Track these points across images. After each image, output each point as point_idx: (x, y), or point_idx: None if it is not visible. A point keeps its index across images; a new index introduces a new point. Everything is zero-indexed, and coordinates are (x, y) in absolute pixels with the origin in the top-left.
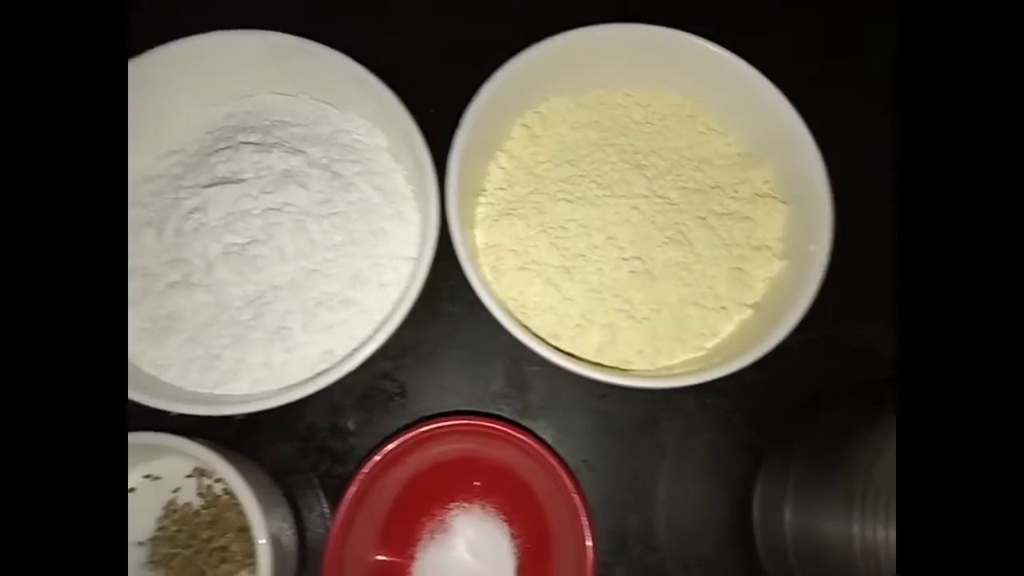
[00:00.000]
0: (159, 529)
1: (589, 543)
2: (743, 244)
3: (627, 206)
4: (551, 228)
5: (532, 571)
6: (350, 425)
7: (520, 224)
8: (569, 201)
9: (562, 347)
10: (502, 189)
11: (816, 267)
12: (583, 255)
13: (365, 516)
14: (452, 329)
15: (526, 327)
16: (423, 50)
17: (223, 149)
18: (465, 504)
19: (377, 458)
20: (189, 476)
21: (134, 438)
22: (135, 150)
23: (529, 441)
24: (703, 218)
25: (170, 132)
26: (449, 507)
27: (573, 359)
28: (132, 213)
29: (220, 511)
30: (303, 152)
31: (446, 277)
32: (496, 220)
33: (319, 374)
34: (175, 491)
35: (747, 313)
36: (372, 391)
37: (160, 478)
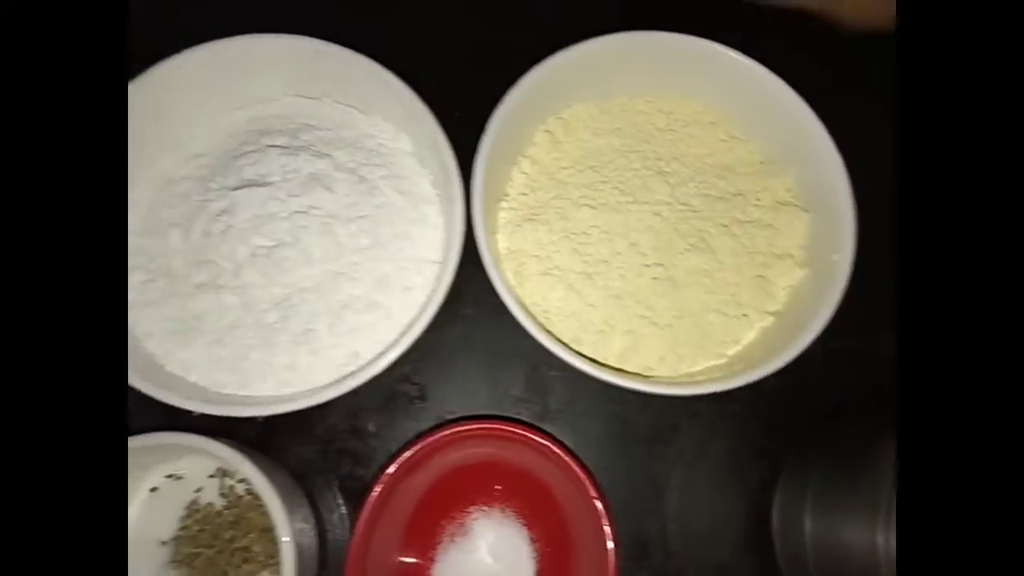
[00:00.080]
0: (181, 529)
1: (611, 547)
2: (765, 252)
3: (650, 213)
4: (573, 234)
5: (552, 575)
6: (370, 427)
7: (543, 229)
8: (592, 207)
9: (584, 352)
10: (524, 194)
11: (839, 276)
12: (606, 261)
13: (388, 518)
14: (472, 333)
15: (549, 332)
16: (448, 54)
17: (250, 152)
18: (485, 508)
19: (401, 460)
20: (212, 476)
21: (158, 438)
22: (161, 152)
23: (550, 445)
24: (725, 225)
25: (196, 135)
26: (469, 510)
27: (596, 364)
28: (159, 214)
29: (242, 511)
30: (329, 156)
31: (469, 281)
32: (519, 225)
33: (344, 377)
34: (197, 491)
35: (768, 321)
36: (392, 394)
37: (182, 478)
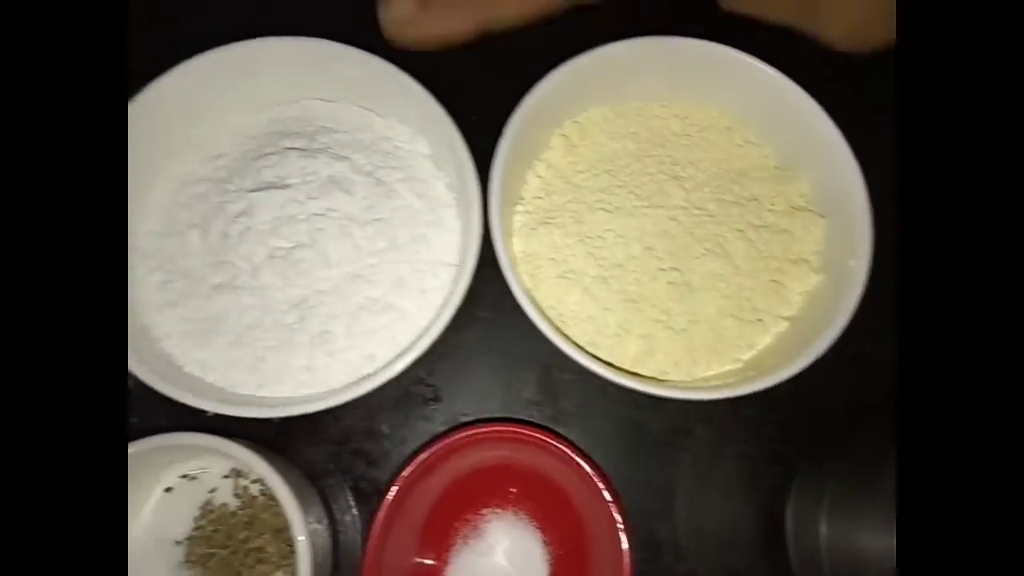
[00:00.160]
0: (195, 529)
1: (626, 550)
2: (780, 257)
3: (665, 217)
4: (589, 238)
5: None
6: (384, 429)
7: (558, 233)
8: (607, 211)
9: (599, 356)
10: (540, 198)
11: (855, 283)
12: (621, 265)
13: (404, 520)
14: (486, 335)
15: (566, 336)
16: (464, 57)
17: (269, 154)
18: (498, 510)
19: (418, 462)
20: (226, 477)
21: (173, 438)
22: (179, 153)
23: (566, 449)
24: (741, 230)
25: (214, 136)
26: (482, 512)
27: (611, 368)
28: (177, 215)
29: (256, 512)
30: (347, 158)
31: (483, 284)
32: (534, 229)
33: (361, 379)
34: (212, 491)
35: (783, 326)
36: (407, 395)
37: (197, 478)
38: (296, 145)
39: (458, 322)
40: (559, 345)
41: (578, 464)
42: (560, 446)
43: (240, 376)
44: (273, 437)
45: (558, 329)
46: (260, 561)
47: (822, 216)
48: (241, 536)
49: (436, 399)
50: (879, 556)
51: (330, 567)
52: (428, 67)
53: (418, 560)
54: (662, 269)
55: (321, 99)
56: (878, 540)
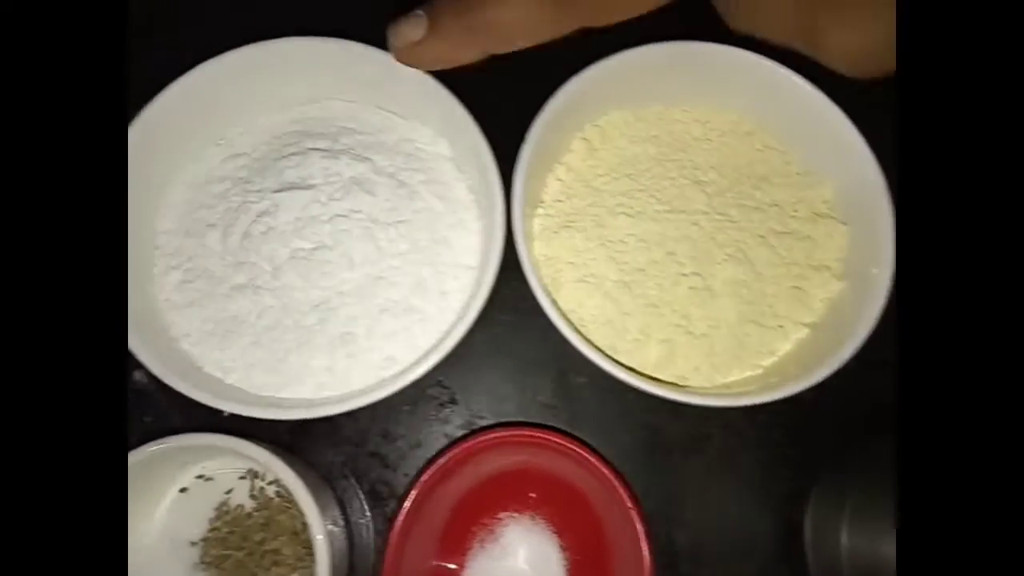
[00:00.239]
0: (211, 530)
1: (647, 556)
2: (802, 263)
3: (687, 222)
4: (610, 242)
5: None
6: (400, 431)
7: (579, 237)
8: (629, 215)
9: (619, 361)
10: (560, 201)
11: (878, 291)
12: (642, 270)
13: (423, 524)
14: (502, 338)
15: (588, 340)
16: (482, 60)
17: (292, 155)
18: (515, 514)
19: (437, 466)
20: (242, 478)
21: (190, 439)
22: (200, 151)
23: (586, 454)
24: (763, 236)
25: (235, 135)
26: (499, 517)
27: (632, 373)
28: (196, 214)
29: (272, 514)
30: (370, 160)
31: (500, 286)
32: (555, 232)
33: (381, 382)
34: (227, 492)
35: (804, 333)
36: (423, 397)
37: (212, 479)
38: (319, 146)
39: (475, 325)
40: (581, 349)
41: (599, 469)
42: (581, 451)
43: (260, 377)
44: (288, 438)
45: (581, 333)
46: (276, 563)
47: (845, 223)
48: (257, 538)
49: (452, 402)
50: None
51: (346, 570)
52: (449, 69)
53: (437, 564)
54: (683, 274)
55: (342, 100)
56: None
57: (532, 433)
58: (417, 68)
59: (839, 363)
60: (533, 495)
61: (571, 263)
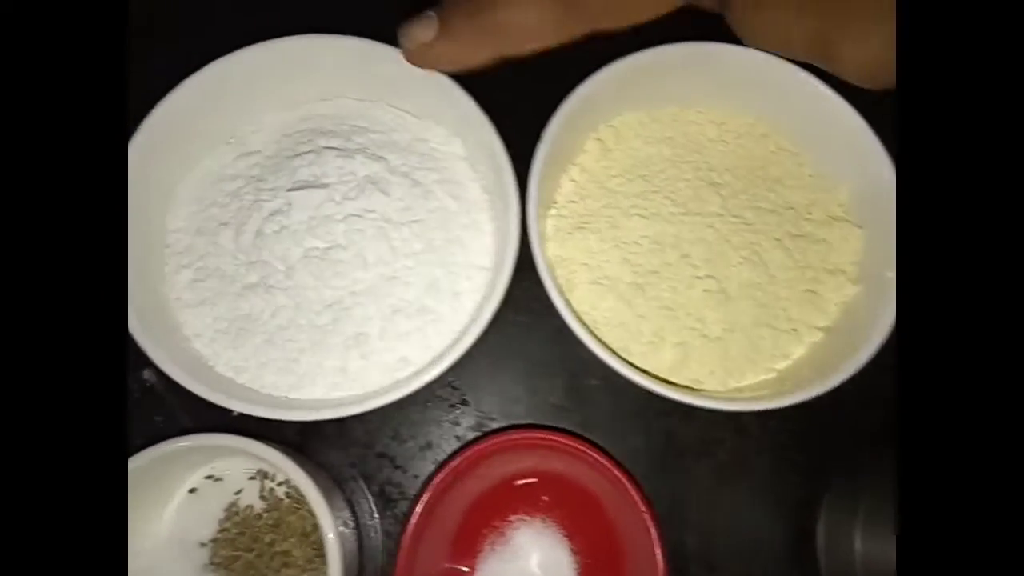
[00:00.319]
0: (220, 531)
1: (661, 561)
2: (817, 267)
3: (702, 224)
4: (624, 243)
5: None
6: (410, 432)
7: (593, 238)
8: (643, 217)
9: (633, 363)
10: (573, 202)
11: (894, 295)
12: (656, 272)
13: (436, 526)
14: (514, 339)
15: (602, 342)
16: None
17: (305, 153)
18: (526, 517)
19: (450, 468)
20: (252, 478)
21: (201, 439)
22: (212, 150)
23: (599, 457)
24: (778, 239)
25: (248, 133)
26: (510, 519)
27: (647, 376)
28: (208, 213)
29: (282, 515)
30: (383, 159)
31: (513, 287)
32: (569, 233)
33: (395, 383)
34: (237, 493)
35: (818, 336)
36: (433, 398)
37: (222, 479)
38: (332, 144)
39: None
40: (595, 352)
41: (612, 472)
42: (594, 454)
43: (272, 377)
44: (298, 438)
45: (593, 334)
46: (286, 565)
47: (860, 227)
48: (267, 539)
49: (463, 403)
50: None
51: (356, 572)
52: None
53: (448, 566)
54: (698, 277)
55: (355, 98)
56: None
57: (544, 436)
58: (428, 69)
59: (854, 368)
60: (545, 498)
61: (585, 264)
